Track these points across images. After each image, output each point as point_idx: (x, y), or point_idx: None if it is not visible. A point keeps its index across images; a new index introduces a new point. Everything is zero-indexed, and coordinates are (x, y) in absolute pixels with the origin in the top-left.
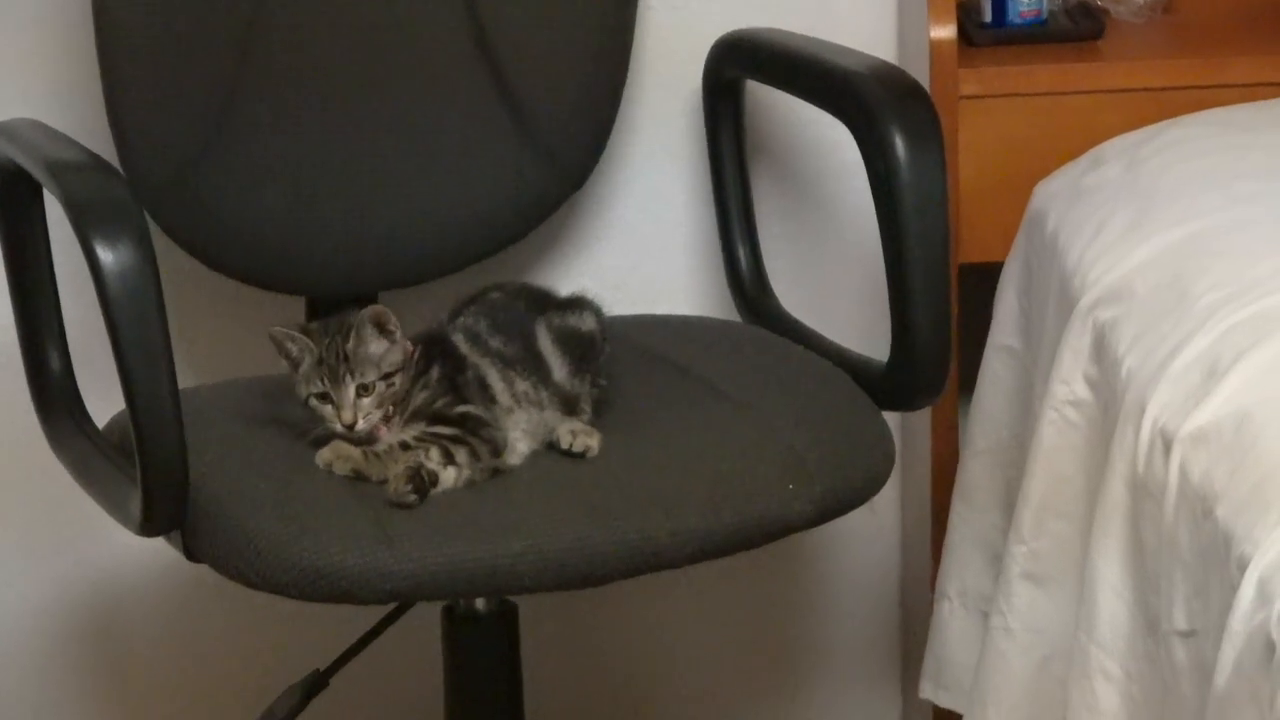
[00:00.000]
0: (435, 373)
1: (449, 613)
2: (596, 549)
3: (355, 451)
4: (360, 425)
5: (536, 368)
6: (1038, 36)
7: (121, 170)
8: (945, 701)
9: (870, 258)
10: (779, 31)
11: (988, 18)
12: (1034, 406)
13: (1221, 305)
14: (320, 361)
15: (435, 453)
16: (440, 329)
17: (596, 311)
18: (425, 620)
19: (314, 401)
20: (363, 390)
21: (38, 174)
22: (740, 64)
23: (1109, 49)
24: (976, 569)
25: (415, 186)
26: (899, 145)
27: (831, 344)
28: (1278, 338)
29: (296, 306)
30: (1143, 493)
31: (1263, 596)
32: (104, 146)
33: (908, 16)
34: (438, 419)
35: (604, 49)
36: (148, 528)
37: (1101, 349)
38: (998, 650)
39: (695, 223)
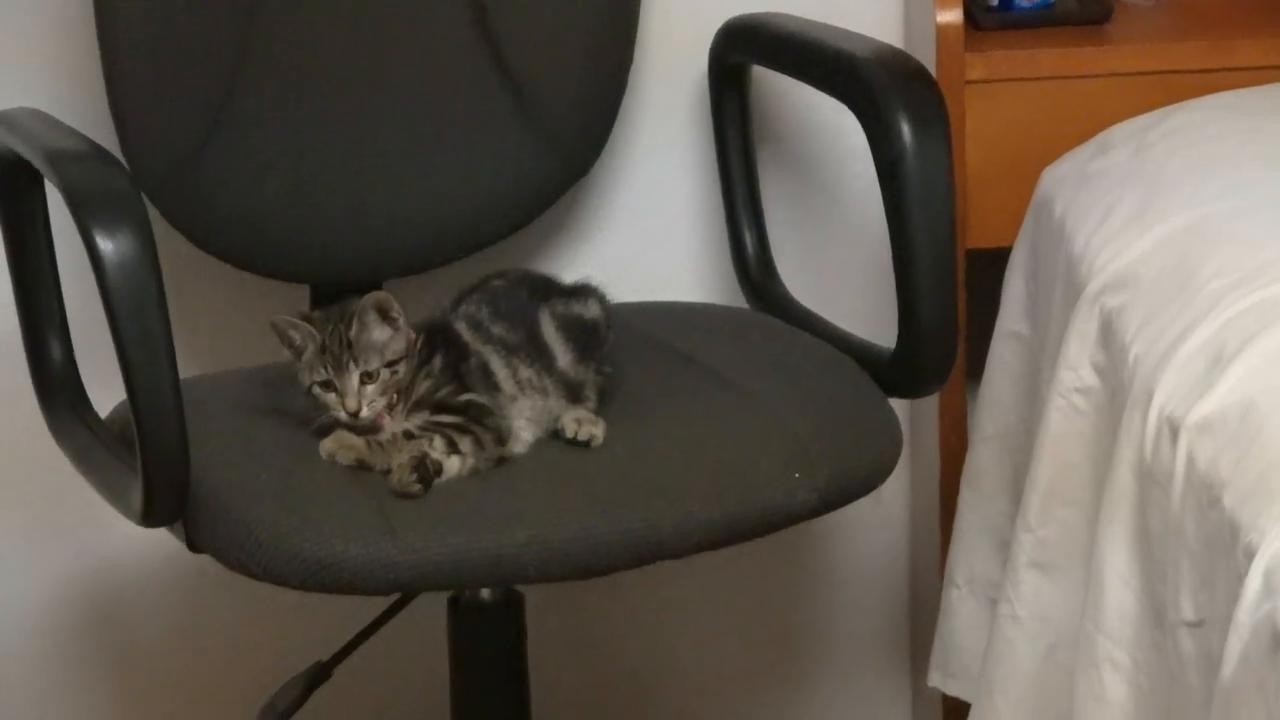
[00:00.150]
0: (438, 361)
1: (454, 602)
2: (601, 539)
3: (359, 441)
4: (364, 413)
5: (540, 355)
6: (1044, 20)
7: (123, 159)
8: (953, 690)
9: (878, 243)
10: (784, 16)
11: (994, 2)
12: (1041, 393)
13: (1227, 292)
14: (323, 349)
15: (439, 442)
16: (442, 317)
17: (601, 298)
18: (430, 610)
19: (317, 390)
20: (366, 378)
21: (38, 163)
22: (745, 49)
23: (1116, 33)
24: (985, 556)
25: (417, 174)
26: (905, 131)
27: (838, 330)
28: None
29: (299, 295)
30: (1149, 480)
31: (1269, 587)
32: (105, 135)
33: (914, 1)
34: (441, 408)
35: (607, 33)
36: (149, 519)
37: (1108, 335)
38: (1005, 639)
39: (700, 209)
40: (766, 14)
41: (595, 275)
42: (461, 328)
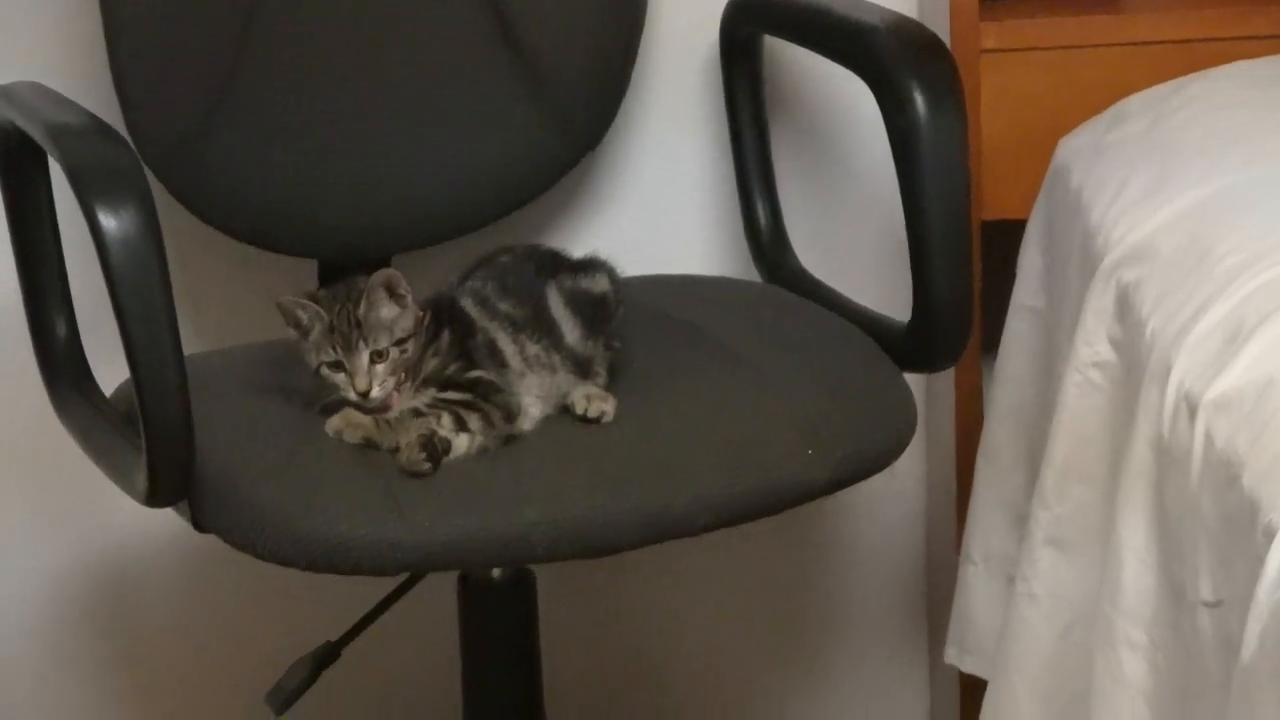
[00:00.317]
0: (446, 338)
1: (464, 581)
2: (611, 518)
3: (366, 419)
4: (374, 392)
5: (548, 331)
6: None
7: (127, 132)
8: (970, 666)
9: (892, 215)
10: None
11: None
12: (1057, 368)
13: (1244, 267)
14: (331, 329)
15: (447, 419)
16: (448, 293)
17: (610, 273)
18: (440, 589)
19: (325, 370)
20: (376, 356)
21: (39, 138)
22: (756, 19)
23: (1132, 1)
24: (1001, 531)
25: (425, 147)
26: (918, 101)
27: (852, 304)
28: None
29: (306, 270)
30: (1167, 458)
31: None
32: (109, 108)
33: None
34: (450, 385)
35: (617, 3)
36: (153, 499)
37: (1125, 310)
38: (1021, 617)
39: (713, 181)
40: None
41: (606, 249)
42: (468, 304)
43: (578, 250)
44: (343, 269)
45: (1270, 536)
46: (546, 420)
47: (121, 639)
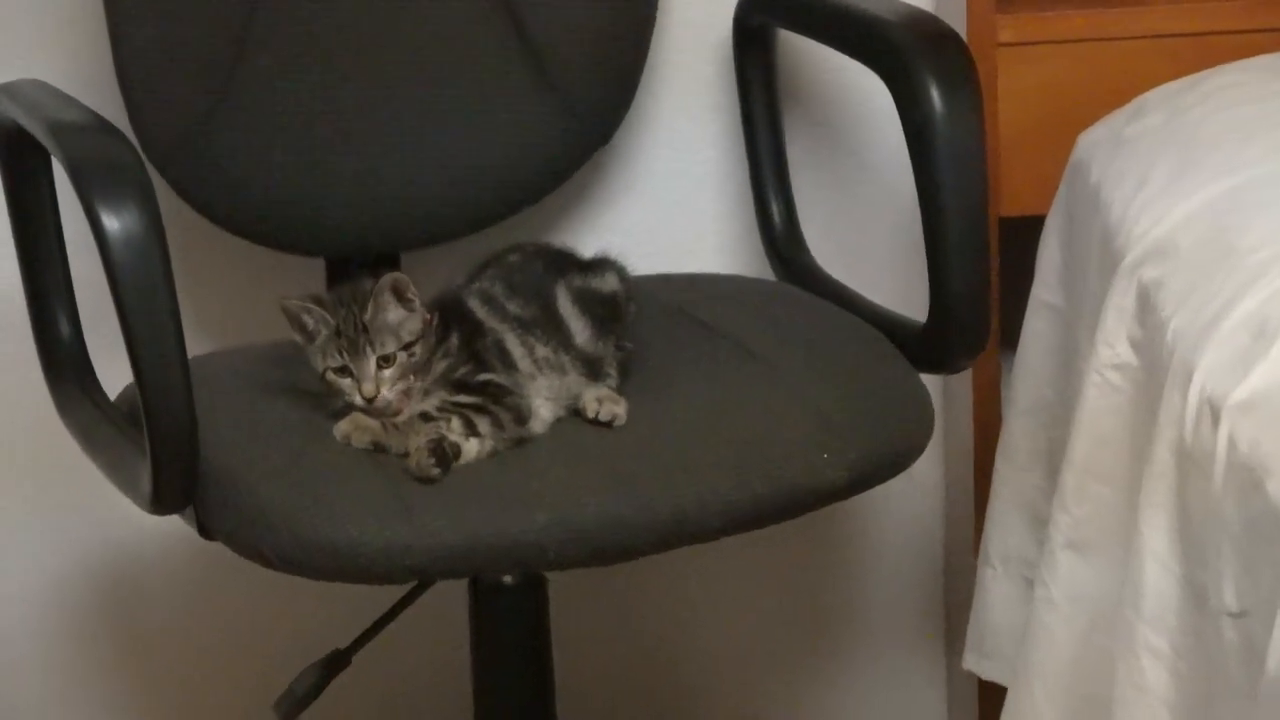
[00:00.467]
0: (454, 340)
1: (475, 584)
2: (623, 523)
3: (374, 423)
4: (382, 398)
5: (556, 331)
6: None
7: (131, 128)
8: (989, 672)
9: (909, 211)
10: None
11: None
12: (1077, 366)
13: (1268, 265)
14: (338, 333)
15: (457, 423)
16: (456, 293)
17: (620, 271)
18: (450, 592)
19: (332, 375)
20: (383, 361)
21: (41, 136)
22: (769, 11)
23: None
24: (1020, 533)
25: (432, 141)
26: (934, 96)
27: (867, 302)
28: None
29: (312, 268)
30: (1190, 462)
31: None
32: (113, 103)
33: None
34: (459, 388)
35: None
36: (158, 506)
37: (1146, 309)
38: (1042, 623)
39: (725, 177)
40: None
41: (617, 244)
42: (475, 305)
43: (588, 247)
44: (349, 268)
45: None
46: (557, 422)
47: (126, 643)
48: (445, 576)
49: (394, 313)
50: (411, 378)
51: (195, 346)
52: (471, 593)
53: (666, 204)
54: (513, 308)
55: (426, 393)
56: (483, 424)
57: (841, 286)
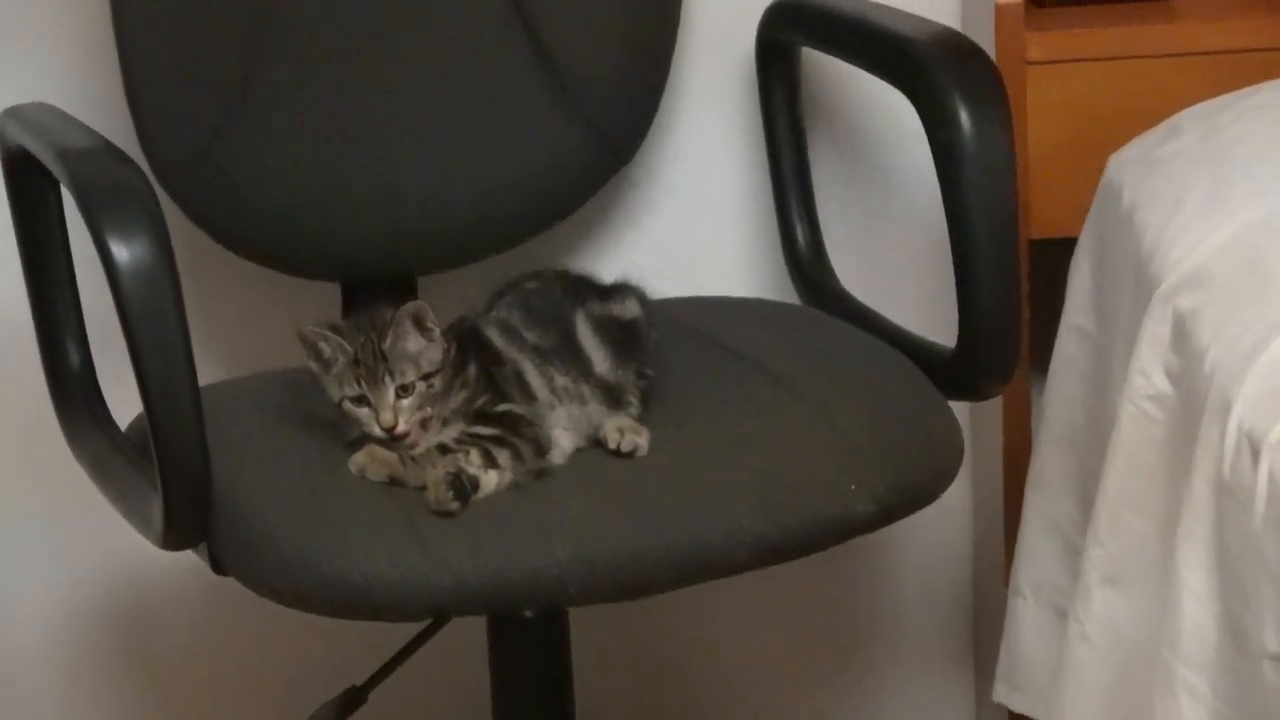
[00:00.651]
0: (472, 370)
1: (494, 618)
2: (646, 557)
3: (391, 456)
4: (401, 428)
5: (576, 360)
6: None
7: (141, 148)
8: (1020, 705)
9: (937, 233)
10: None
11: None
12: (1110, 394)
13: None
14: (356, 362)
15: (476, 455)
16: (473, 322)
17: (640, 297)
18: (469, 628)
19: (349, 404)
20: (402, 391)
21: (49, 162)
22: (794, 29)
23: (1183, 8)
24: (1051, 561)
25: (448, 162)
26: (962, 115)
27: (894, 327)
28: None
29: (327, 292)
30: (1229, 498)
31: None
32: (122, 123)
33: None
34: (478, 419)
35: (650, 11)
36: (169, 541)
37: (1182, 338)
38: (1076, 658)
39: (749, 198)
40: None
41: (639, 265)
42: (493, 334)
43: (608, 267)
44: (365, 293)
45: None
46: (578, 452)
47: (139, 676)
48: (463, 614)
49: (413, 342)
50: (430, 408)
51: (206, 371)
52: (490, 626)
53: (688, 223)
54: (531, 336)
55: (445, 423)
56: (502, 456)
57: (867, 310)
